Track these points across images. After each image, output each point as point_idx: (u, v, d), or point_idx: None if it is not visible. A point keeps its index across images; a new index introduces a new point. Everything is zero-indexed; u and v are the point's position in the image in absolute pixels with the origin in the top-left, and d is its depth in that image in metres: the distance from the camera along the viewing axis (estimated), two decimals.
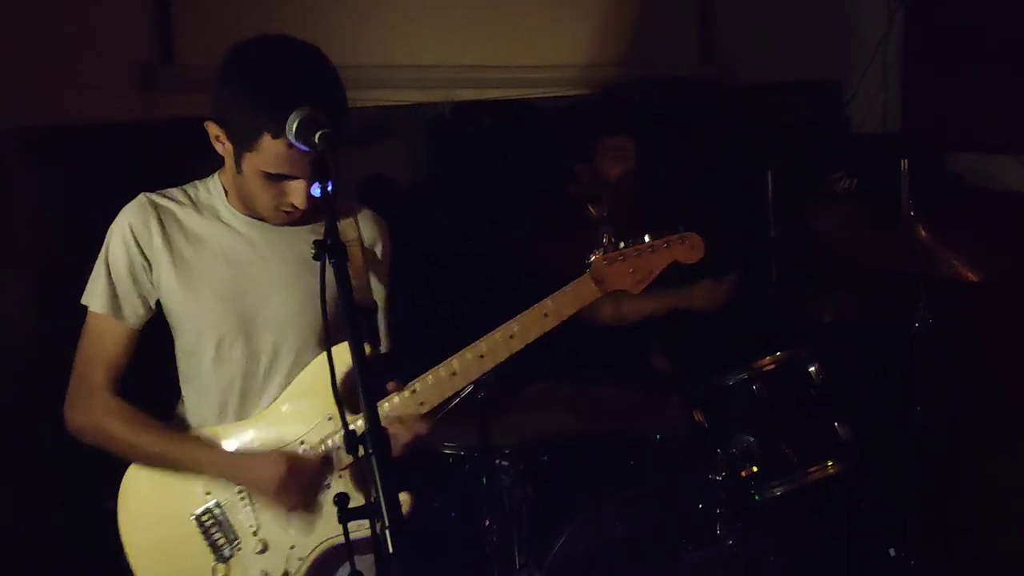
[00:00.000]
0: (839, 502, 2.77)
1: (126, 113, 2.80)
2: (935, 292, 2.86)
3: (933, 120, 4.22)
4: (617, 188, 3.07)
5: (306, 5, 2.99)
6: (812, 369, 2.57)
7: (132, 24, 2.80)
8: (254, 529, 1.94)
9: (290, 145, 1.73)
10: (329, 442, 1.94)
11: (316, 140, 1.58)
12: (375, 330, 2.05)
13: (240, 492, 1.94)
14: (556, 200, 3.13)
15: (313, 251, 1.44)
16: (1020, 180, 4.00)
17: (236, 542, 1.94)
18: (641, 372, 2.85)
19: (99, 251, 1.98)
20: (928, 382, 2.89)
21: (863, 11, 4.42)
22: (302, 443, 1.94)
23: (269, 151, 1.78)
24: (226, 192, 1.97)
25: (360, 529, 1.52)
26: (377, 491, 1.24)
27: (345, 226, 2.00)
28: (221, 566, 1.93)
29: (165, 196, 1.97)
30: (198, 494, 1.95)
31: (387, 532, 1.22)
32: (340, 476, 1.93)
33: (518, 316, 1.93)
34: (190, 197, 1.98)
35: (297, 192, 1.83)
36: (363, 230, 2.04)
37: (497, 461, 2.34)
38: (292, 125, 1.63)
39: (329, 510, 1.93)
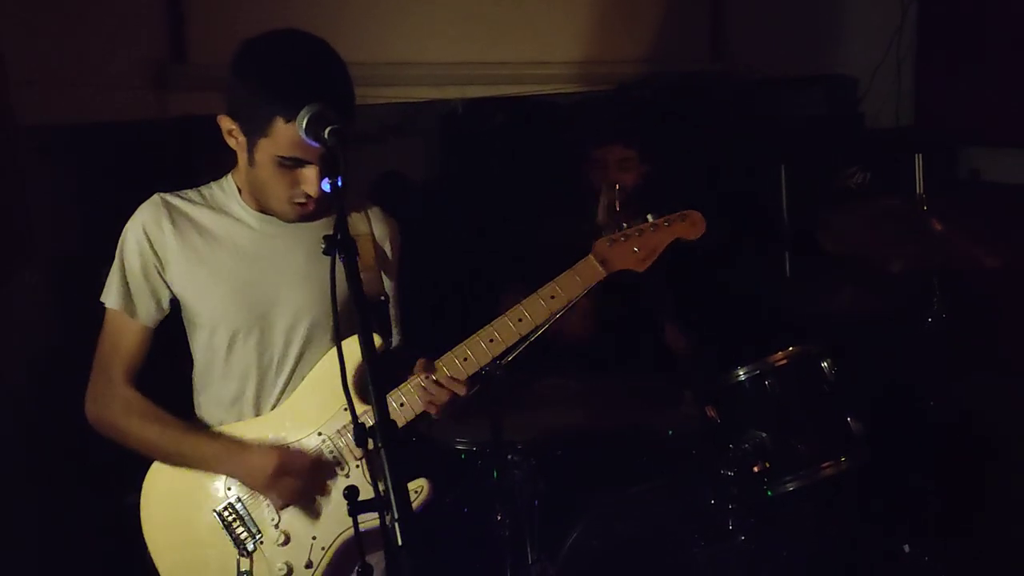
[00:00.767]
0: (852, 498, 2.76)
1: (139, 112, 2.82)
2: (949, 286, 2.84)
3: (947, 114, 4.20)
4: (628, 192, 3.05)
5: (318, 3, 3.01)
6: (825, 364, 2.56)
7: (144, 23, 2.83)
8: (275, 522, 1.96)
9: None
10: (347, 436, 1.97)
11: (326, 136, 1.60)
12: (386, 323, 2.05)
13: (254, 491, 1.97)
14: (567, 194, 3.13)
15: (323, 246, 1.45)
16: None
17: (258, 535, 1.96)
18: (654, 367, 2.84)
19: (113, 248, 2.00)
20: (942, 376, 2.87)
21: (876, 5, 4.39)
22: (319, 434, 1.97)
23: (283, 135, 1.80)
24: (240, 191, 2.00)
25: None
26: (386, 484, 1.24)
27: (356, 220, 2.03)
28: (245, 559, 1.96)
29: (179, 196, 2.00)
30: (219, 490, 1.98)
31: (396, 524, 1.22)
32: (358, 465, 1.96)
33: (525, 300, 1.96)
34: (204, 197, 2.01)
35: (310, 180, 1.85)
36: (375, 226, 2.07)
37: (509, 456, 2.34)
38: (303, 121, 1.65)
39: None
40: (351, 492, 1.40)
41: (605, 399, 2.61)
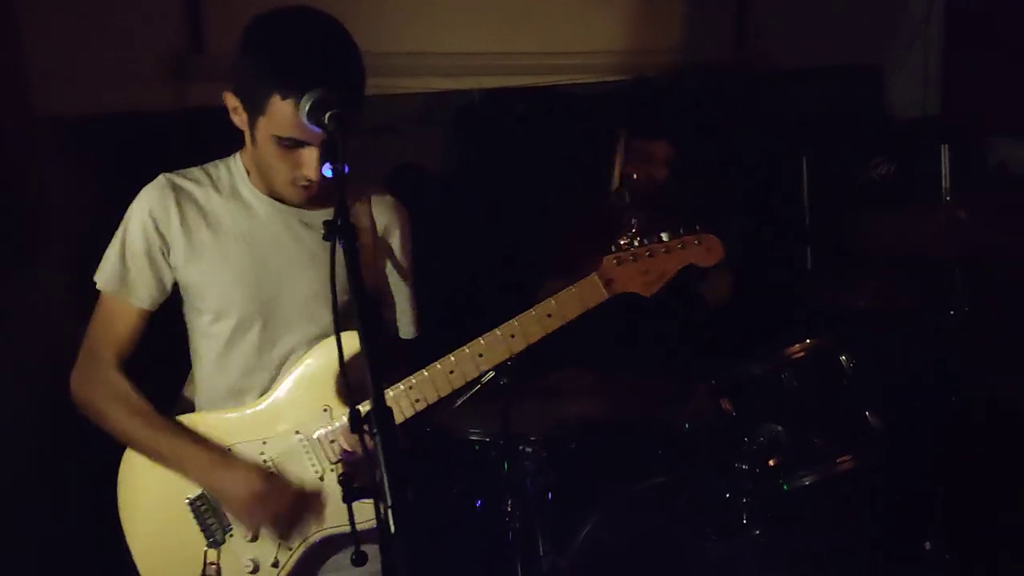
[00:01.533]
0: (873, 494, 2.72)
1: (156, 103, 2.83)
2: (972, 280, 2.79)
3: (975, 105, 4.12)
4: (654, 185, 3.04)
5: None
6: (843, 358, 2.52)
7: (162, 14, 2.83)
8: None
9: (298, 100, 1.70)
10: (322, 432, 1.92)
11: (326, 120, 1.56)
12: (383, 319, 2.02)
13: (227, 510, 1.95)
14: (586, 189, 3.11)
15: (323, 232, 1.42)
16: None
17: (228, 528, 1.95)
18: (669, 359, 2.81)
19: None
20: (965, 371, 2.82)
21: None
22: (297, 432, 1.93)
23: (279, 113, 1.75)
24: (248, 173, 1.96)
25: (364, 521, 1.53)
26: (381, 472, 1.23)
27: (358, 213, 1.98)
28: (213, 551, 1.94)
29: (185, 177, 1.96)
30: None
31: (390, 512, 1.21)
32: (333, 469, 1.92)
33: (521, 315, 1.89)
34: (210, 177, 1.97)
35: (310, 162, 1.80)
36: (377, 217, 2.01)
37: (521, 447, 2.33)
38: (305, 106, 1.61)
39: (320, 501, 1.93)
40: (346, 479, 1.38)
41: (619, 391, 2.59)
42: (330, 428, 1.92)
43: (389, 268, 2.02)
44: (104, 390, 1.94)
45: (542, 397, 2.50)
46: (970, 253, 2.74)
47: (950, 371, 2.85)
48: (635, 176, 2.84)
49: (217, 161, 1.99)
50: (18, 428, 2.46)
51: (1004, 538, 3.00)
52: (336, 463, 1.91)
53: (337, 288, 1.41)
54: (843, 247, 3.26)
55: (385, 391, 1.85)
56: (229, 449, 1.95)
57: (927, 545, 2.86)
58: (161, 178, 1.95)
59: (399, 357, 2.00)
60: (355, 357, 1.85)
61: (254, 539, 1.94)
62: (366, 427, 1.29)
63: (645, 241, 1.91)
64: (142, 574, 2.00)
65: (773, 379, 2.49)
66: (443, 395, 1.89)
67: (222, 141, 2.03)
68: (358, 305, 1.39)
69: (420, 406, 1.88)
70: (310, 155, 1.80)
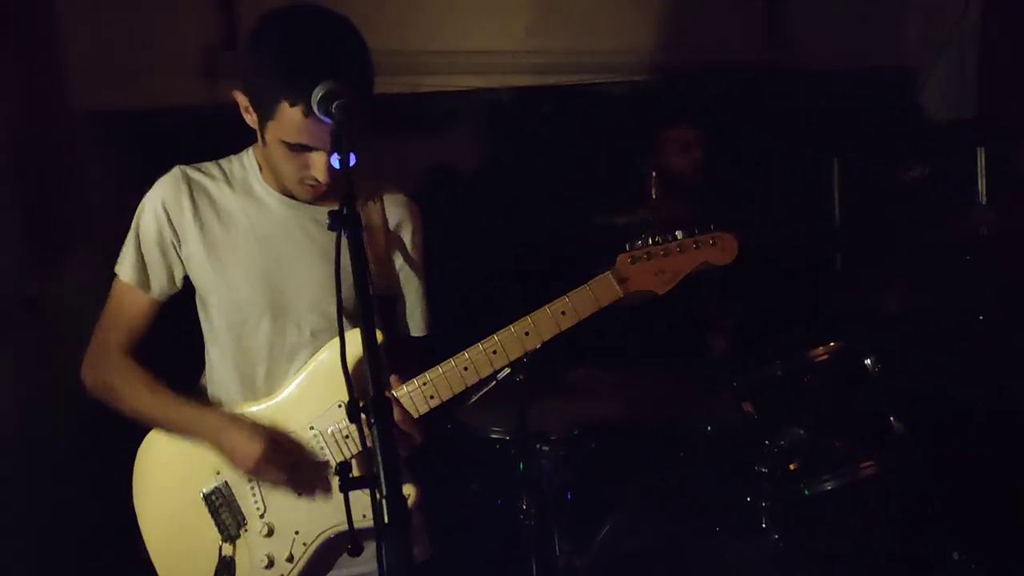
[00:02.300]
0: (897, 500, 2.69)
1: (191, 98, 2.87)
2: (1002, 284, 2.76)
3: (1011, 107, 4.06)
4: (684, 179, 3.04)
5: None
6: (868, 361, 2.50)
7: (197, 12, 2.88)
8: (261, 512, 1.95)
9: (307, 114, 1.72)
10: (336, 428, 1.93)
11: (334, 110, 1.56)
12: (393, 315, 2.01)
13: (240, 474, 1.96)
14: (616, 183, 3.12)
15: (328, 221, 1.41)
16: None
17: (243, 523, 1.96)
18: (691, 360, 2.81)
19: None
20: (995, 376, 2.79)
21: None
22: (311, 428, 1.94)
23: (287, 120, 1.76)
24: (260, 167, 1.97)
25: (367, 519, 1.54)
26: (377, 461, 1.25)
27: (370, 211, 1.97)
28: (228, 545, 1.95)
29: (199, 170, 1.97)
30: (208, 473, 1.96)
31: (384, 502, 1.23)
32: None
33: (535, 312, 1.88)
34: (224, 172, 1.98)
35: (318, 165, 1.81)
36: (390, 214, 2.01)
37: (539, 446, 2.33)
38: (315, 98, 1.61)
39: (334, 496, 1.94)
40: (343, 467, 1.39)
41: (641, 392, 2.59)
42: (343, 424, 1.92)
43: (400, 265, 2.02)
44: (113, 369, 1.97)
45: (562, 396, 2.50)
46: (1003, 257, 2.70)
47: (979, 376, 2.81)
48: (678, 166, 2.84)
49: (231, 156, 2.00)
50: (51, 417, 2.51)
51: None
52: (350, 459, 1.91)
53: (344, 281, 1.40)
54: (874, 249, 3.23)
55: (400, 387, 1.88)
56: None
57: (955, 555, 2.82)
58: (176, 170, 1.97)
59: (410, 355, 2.00)
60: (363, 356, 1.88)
61: (269, 533, 1.95)
62: (364, 417, 1.30)
63: (660, 240, 1.91)
64: (157, 569, 2.02)
65: (796, 382, 2.48)
66: (457, 392, 1.89)
67: (254, 137, 2.05)
68: (359, 294, 1.38)
69: (434, 403, 1.89)
70: (318, 158, 1.81)
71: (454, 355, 1.89)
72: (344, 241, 1.42)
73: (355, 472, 1.41)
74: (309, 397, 1.94)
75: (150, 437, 2.02)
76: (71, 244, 2.64)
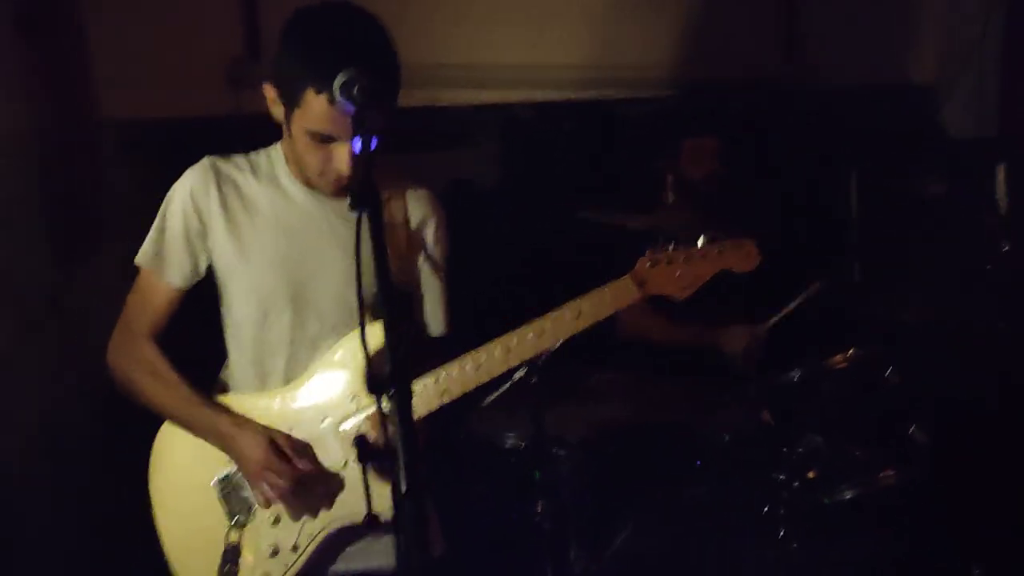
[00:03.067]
0: (920, 513, 2.66)
1: (215, 108, 2.92)
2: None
3: None
4: (700, 188, 3.05)
5: (391, 3, 3.06)
6: (888, 370, 2.49)
7: (221, 21, 2.93)
8: None
9: (332, 102, 1.75)
10: (349, 422, 1.95)
11: (355, 93, 1.57)
12: (411, 311, 2.03)
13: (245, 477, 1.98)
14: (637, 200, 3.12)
15: (349, 201, 1.42)
16: None
17: (252, 510, 1.98)
18: (709, 367, 2.80)
19: None
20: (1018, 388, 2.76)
21: (956, 12, 4.27)
22: (324, 420, 1.96)
23: (312, 107, 1.79)
24: (287, 160, 2.00)
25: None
26: (397, 433, 1.26)
27: (392, 207, 2.00)
28: (235, 532, 1.97)
29: (228, 162, 2.02)
30: (222, 459, 1.99)
31: (402, 472, 1.24)
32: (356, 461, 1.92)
33: (550, 313, 1.90)
34: (251, 164, 2.02)
35: (341, 157, 1.84)
36: (412, 211, 2.03)
37: (555, 450, 2.33)
38: (338, 83, 1.62)
39: (343, 489, 1.96)
40: (360, 440, 1.40)
41: (658, 398, 2.58)
42: (356, 418, 1.94)
43: (422, 262, 2.04)
44: (134, 359, 2.00)
45: (579, 400, 2.50)
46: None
47: (1000, 384, 2.79)
48: (695, 175, 2.85)
49: (259, 149, 2.05)
50: (70, 414, 2.54)
51: None
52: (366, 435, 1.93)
53: (367, 271, 1.41)
54: (892, 261, 3.22)
55: (412, 382, 1.90)
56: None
57: (976, 572, 2.78)
58: (205, 160, 2.01)
59: (428, 353, 2.00)
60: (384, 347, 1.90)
61: (276, 521, 1.97)
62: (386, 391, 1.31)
63: (681, 246, 1.92)
64: (167, 554, 2.05)
65: (814, 389, 2.47)
66: (469, 389, 1.91)
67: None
68: (378, 273, 1.39)
69: (447, 399, 1.90)
70: (341, 151, 1.84)
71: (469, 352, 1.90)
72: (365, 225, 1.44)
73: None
74: (325, 390, 1.96)
75: (167, 424, 2.05)
76: (95, 248, 2.67)
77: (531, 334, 1.89)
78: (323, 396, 1.96)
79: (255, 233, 1.97)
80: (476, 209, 3.50)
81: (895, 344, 2.62)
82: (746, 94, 3.81)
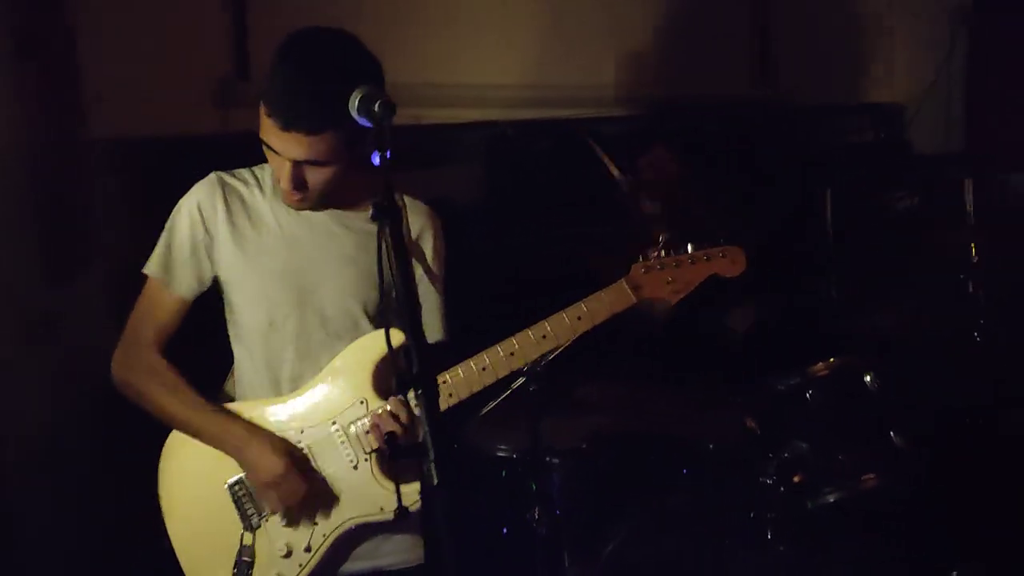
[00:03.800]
0: (901, 517, 2.73)
1: (203, 127, 2.94)
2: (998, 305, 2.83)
3: (997, 140, 4.18)
4: (667, 194, 3.11)
5: (366, 22, 3.10)
6: (868, 378, 2.56)
7: (209, 41, 2.96)
8: None
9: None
10: (358, 424, 1.99)
11: (377, 110, 1.59)
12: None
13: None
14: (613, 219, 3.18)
15: (371, 212, 1.48)
16: None
17: (265, 513, 2.01)
18: (697, 377, 2.86)
19: None
20: (994, 395, 2.85)
21: (924, 32, 4.41)
22: (334, 423, 2.00)
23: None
24: None
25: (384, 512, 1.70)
26: (425, 430, 1.30)
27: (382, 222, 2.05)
28: (248, 534, 2.01)
29: (235, 176, 2.08)
30: (233, 464, 2.02)
31: (433, 466, 1.28)
32: (366, 459, 1.98)
33: (551, 316, 1.97)
34: (256, 177, 2.08)
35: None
36: (412, 222, 2.08)
37: (548, 459, 2.37)
38: (354, 102, 1.64)
39: (354, 490, 1.99)
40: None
41: (648, 406, 2.63)
42: (366, 420, 1.99)
43: (420, 274, 2.09)
44: (143, 369, 2.03)
45: (569, 410, 2.55)
46: (994, 279, 2.78)
47: (975, 394, 2.87)
48: (657, 185, 2.92)
49: (264, 164, 2.09)
50: (68, 419, 2.55)
51: None
52: (370, 453, 1.98)
53: (372, 284, 1.44)
54: (868, 275, 3.31)
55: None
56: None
57: (954, 574, 2.85)
58: (213, 175, 2.07)
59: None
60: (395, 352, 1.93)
61: (288, 524, 2.00)
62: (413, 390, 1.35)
63: (672, 252, 2.01)
64: (180, 558, 2.07)
65: (798, 397, 2.53)
66: (475, 391, 1.96)
67: (266, 164, 2.12)
68: (401, 279, 1.43)
69: (453, 401, 1.95)
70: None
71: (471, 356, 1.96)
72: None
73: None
74: (332, 395, 2.01)
75: (176, 431, 2.07)
76: (86, 263, 2.69)
77: (533, 337, 1.96)
78: (331, 401, 2.01)
79: (260, 244, 2.02)
80: (457, 227, 3.54)
81: (873, 353, 2.69)
82: (722, 113, 3.90)
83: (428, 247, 2.10)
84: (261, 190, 2.06)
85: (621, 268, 2.05)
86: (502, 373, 1.97)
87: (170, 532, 2.07)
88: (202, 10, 2.96)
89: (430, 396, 1.32)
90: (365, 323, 2.03)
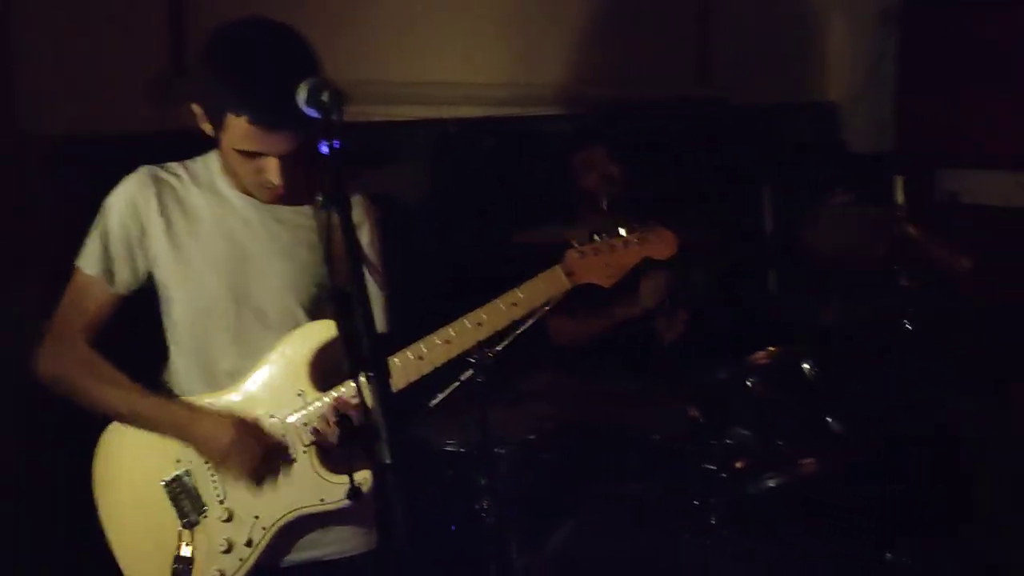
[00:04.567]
0: (837, 501, 2.79)
1: (141, 123, 2.89)
2: (930, 295, 2.92)
3: (928, 138, 4.32)
4: (602, 196, 3.14)
5: (314, 21, 3.09)
6: (806, 366, 2.63)
7: (146, 38, 2.91)
8: (220, 498, 1.98)
9: (251, 123, 1.81)
10: (296, 416, 1.98)
11: (325, 100, 1.55)
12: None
13: (208, 462, 1.99)
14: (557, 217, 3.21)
15: (320, 202, 1.47)
16: (1015, 196, 4.08)
17: (203, 510, 1.99)
18: (643, 367, 2.89)
19: None
20: (924, 382, 2.93)
21: (859, 35, 4.54)
22: (272, 417, 1.98)
23: (235, 129, 1.83)
24: (223, 169, 2.02)
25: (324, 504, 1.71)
26: (375, 411, 1.30)
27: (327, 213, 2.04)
28: (187, 532, 1.98)
29: (166, 170, 2.03)
30: (169, 461, 2.00)
31: (385, 445, 1.28)
32: (305, 451, 1.97)
33: (487, 304, 1.97)
34: (189, 171, 2.04)
35: (271, 169, 1.88)
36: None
37: (496, 449, 2.38)
38: (301, 95, 1.57)
39: (293, 482, 1.98)
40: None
41: (593, 397, 2.66)
42: (304, 412, 1.97)
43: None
44: (72, 361, 1.98)
45: (514, 402, 2.56)
46: (922, 269, 2.87)
47: (908, 383, 2.96)
48: (591, 185, 2.96)
49: (196, 157, 2.06)
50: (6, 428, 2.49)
51: (965, 547, 3.09)
52: (308, 445, 1.96)
53: (314, 278, 1.40)
54: (805, 268, 3.38)
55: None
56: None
57: (888, 555, 2.92)
58: (143, 169, 2.02)
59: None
60: (331, 344, 1.92)
61: (228, 519, 1.97)
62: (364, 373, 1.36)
63: (606, 237, 2.03)
64: (118, 558, 2.03)
65: (739, 385, 2.58)
66: (412, 380, 1.95)
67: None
68: (352, 269, 1.43)
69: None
70: (271, 164, 1.88)
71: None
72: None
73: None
74: (270, 387, 1.99)
75: (112, 427, 2.03)
76: (18, 264, 2.63)
77: (470, 324, 1.96)
78: (269, 393, 1.98)
79: (195, 239, 1.99)
80: (403, 224, 3.54)
81: (812, 342, 2.76)
82: (663, 112, 3.96)
83: (364, 238, 2.08)
84: (194, 183, 2.02)
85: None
86: (439, 361, 1.96)
87: (107, 531, 2.03)
88: (138, 5, 2.92)
89: (381, 377, 1.32)
90: (303, 316, 2.01)
